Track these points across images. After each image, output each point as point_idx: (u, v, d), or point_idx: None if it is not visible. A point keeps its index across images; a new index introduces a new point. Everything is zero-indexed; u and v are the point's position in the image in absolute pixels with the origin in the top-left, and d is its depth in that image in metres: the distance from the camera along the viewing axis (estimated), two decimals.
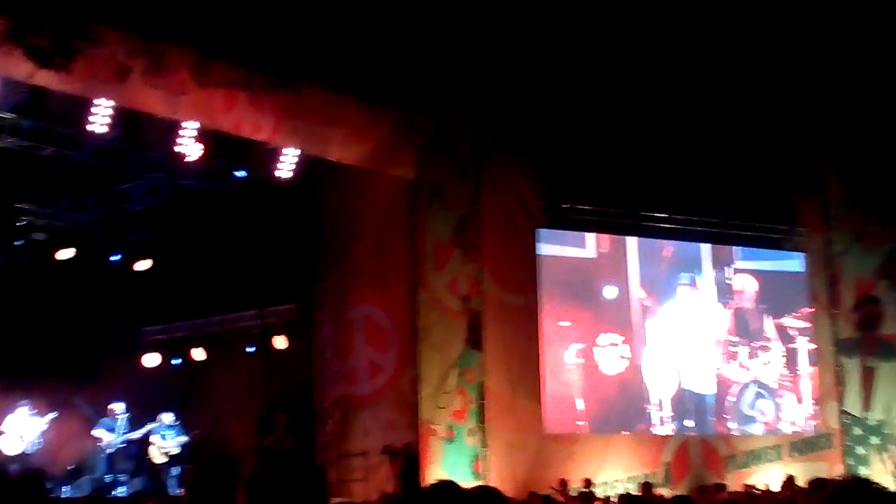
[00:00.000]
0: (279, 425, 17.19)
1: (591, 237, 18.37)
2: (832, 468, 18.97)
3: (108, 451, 16.74)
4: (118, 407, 16.98)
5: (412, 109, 16.54)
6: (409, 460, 15.70)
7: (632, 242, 18.68)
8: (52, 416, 16.32)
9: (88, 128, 13.80)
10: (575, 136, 17.46)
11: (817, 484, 9.55)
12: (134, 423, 17.03)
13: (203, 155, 15.16)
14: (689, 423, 18.64)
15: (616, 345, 18.28)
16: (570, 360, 17.79)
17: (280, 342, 18.07)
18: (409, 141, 16.57)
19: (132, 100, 13.71)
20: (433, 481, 5.23)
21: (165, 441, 17.06)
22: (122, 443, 16.87)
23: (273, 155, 15.80)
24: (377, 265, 17.53)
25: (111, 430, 16.82)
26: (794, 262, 20.07)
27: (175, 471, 17.02)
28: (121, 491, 16.68)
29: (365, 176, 17.00)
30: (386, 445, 16.07)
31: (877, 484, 3.71)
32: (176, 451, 17.14)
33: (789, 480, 17.35)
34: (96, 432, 16.78)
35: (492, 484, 16.15)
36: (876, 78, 16.72)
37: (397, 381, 16.88)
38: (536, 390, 17.25)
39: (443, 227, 16.79)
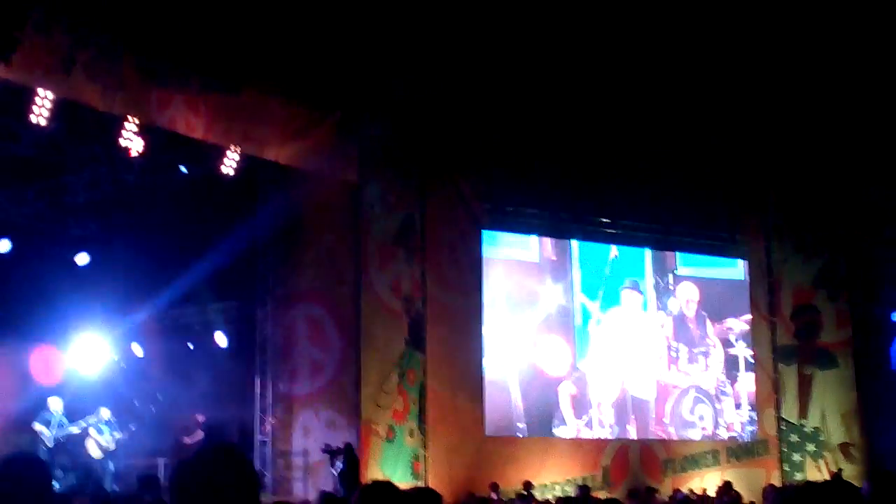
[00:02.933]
0: (197, 425, 17.06)
1: (535, 240, 18.45)
2: (769, 474, 19.21)
3: (48, 444, 16.52)
4: (56, 401, 16.76)
5: (357, 112, 16.47)
6: (348, 460, 15.63)
7: (576, 247, 18.78)
8: None
9: (31, 118, 13.58)
10: (521, 140, 17.54)
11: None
12: (71, 418, 16.81)
13: (146, 149, 15.00)
14: (629, 427, 18.77)
15: (560, 348, 18.36)
16: (512, 362, 17.85)
17: (221, 339, 17.93)
18: (353, 143, 16.51)
19: (73, 92, 13.54)
20: (370, 481, 5.21)
21: (103, 436, 16.87)
22: (60, 437, 16.65)
23: (217, 152, 15.68)
24: (321, 265, 17.43)
25: (49, 423, 16.60)
26: (735, 270, 20.28)
27: (112, 466, 16.84)
28: (55, 486, 16.43)
29: (310, 176, 16.91)
30: (326, 444, 15.99)
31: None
32: (113, 446, 16.95)
33: (726, 486, 17.59)
34: (35, 426, 16.56)
35: (431, 485, 16.30)
36: (817, 94, 16.95)
37: (338, 381, 16.80)
38: (477, 392, 17.31)
39: (387, 228, 16.79)
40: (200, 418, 17.17)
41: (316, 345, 17.33)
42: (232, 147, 15.56)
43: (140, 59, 13.95)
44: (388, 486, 4.89)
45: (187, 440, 17.03)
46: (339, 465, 15.56)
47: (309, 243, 17.54)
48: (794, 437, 19.44)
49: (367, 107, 16.55)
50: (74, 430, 16.72)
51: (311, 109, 16.15)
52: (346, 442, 15.93)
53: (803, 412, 19.59)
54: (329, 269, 17.30)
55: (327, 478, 15.77)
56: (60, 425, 16.66)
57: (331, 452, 15.80)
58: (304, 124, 16.10)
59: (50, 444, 16.49)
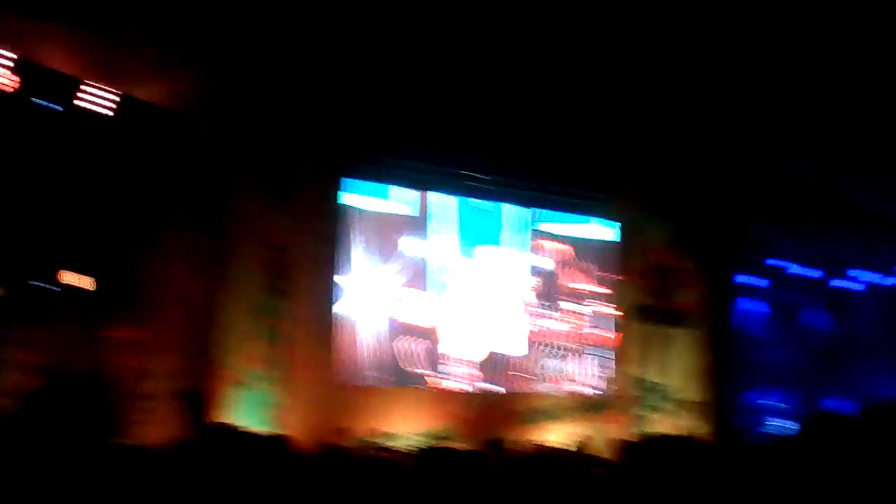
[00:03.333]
0: (41, 368, 16.80)
1: (398, 191, 18.47)
2: (623, 430, 19.59)
3: None
4: None
5: (225, 56, 16.26)
6: (200, 405, 15.57)
7: (440, 199, 18.85)
8: None
9: None
10: (390, 89, 17.42)
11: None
12: None
13: (17, 87, 14.68)
14: (486, 379, 18.99)
15: (417, 300, 18.47)
16: (370, 312, 17.91)
17: (74, 279, 17.60)
18: (221, 87, 16.35)
19: None
20: (219, 425, 5.18)
21: None
22: None
23: (85, 88, 15.42)
24: (184, 208, 17.20)
25: None
26: (601, 229, 20.61)
27: None
28: None
29: (179, 118, 16.68)
30: (177, 389, 15.88)
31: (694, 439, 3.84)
32: None
33: (582, 440, 17.91)
34: None
35: (284, 432, 16.26)
36: (688, 62, 17.09)
37: (194, 325, 16.66)
38: (334, 342, 17.33)
39: (251, 173, 16.65)
40: (44, 360, 16.88)
41: (174, 288, 17.12)
42: (101, 84, 15.36)
43: None
44: (236, 430, 4.87)
45: (30, 383, 16.74)
46: (190, 410, 15.48)
47: (173, 186, 17.30)
48: (648, 395, 19.88)
49: (234, 50, 16.32)
50: None
51: (182, 51, 15.92)
52: (199, 387, 15.86)
53: (658, 370, 20.05)
54: (192, 212, 17.11)
55: (177, 423, 15.67)
56: None
57: (182, 397, 15.71)
58: (174, 65, 15.89)
59: None
